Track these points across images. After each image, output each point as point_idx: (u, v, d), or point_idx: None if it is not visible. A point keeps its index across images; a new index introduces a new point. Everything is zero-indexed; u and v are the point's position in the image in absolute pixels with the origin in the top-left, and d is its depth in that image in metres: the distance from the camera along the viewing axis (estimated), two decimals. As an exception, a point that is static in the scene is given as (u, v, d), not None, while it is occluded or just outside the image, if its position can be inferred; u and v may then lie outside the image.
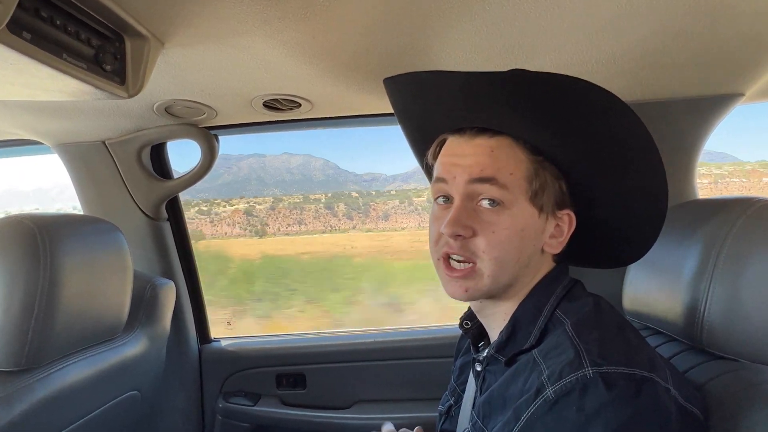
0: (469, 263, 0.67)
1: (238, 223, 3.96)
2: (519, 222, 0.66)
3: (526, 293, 0.71)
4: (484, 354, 0.74)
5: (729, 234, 0.71)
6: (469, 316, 0.82)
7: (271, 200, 4.14)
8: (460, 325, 0.83)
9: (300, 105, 1.20)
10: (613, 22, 0.83)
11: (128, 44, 0.80)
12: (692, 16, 0.82)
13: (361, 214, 4.04)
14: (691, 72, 1.04)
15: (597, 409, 0.55)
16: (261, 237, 4.00)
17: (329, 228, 4.01)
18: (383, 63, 0.97)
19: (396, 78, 0.74)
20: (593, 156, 0.67)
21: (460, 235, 0.66)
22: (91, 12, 0.71)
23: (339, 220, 4.00)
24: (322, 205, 4.10)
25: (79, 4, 0.68)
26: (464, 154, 0.69)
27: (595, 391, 0.55)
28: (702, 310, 0.71)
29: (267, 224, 3.98)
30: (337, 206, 4.07)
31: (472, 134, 0.69)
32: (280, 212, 4.00)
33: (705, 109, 1.16)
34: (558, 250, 0.71)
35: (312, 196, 4.21)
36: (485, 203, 0.67)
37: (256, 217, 4.02)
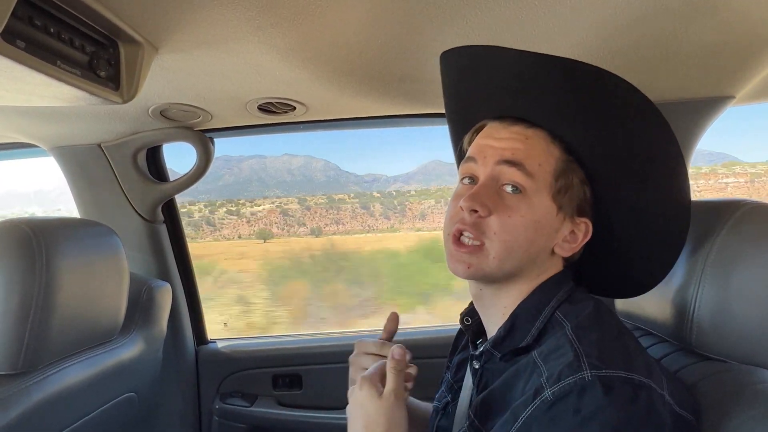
0: (478, 241, 0.68)
1: (275, 222, 3.97)
2: (536, 213, 0.67)
3: (528, 291, 0.71)
4: (481, 349, 0.75)
5: (718, 236, 0.71)
6: (470, 312, 0.82)
7: (296, 200, 4.15)
8: (461, 321, 0.84)
9: (295, 108, 1.20)
10: (602, 26, 0.84)
11: (122, 50, 0.81)
12: (682, 19, 0.83)
13: (397, 214, 4.04)
14: (682, 75, 1.05)
15: (594, 412, 0.55)
16: (317, 236, 4.01)
17: (367, 228, 4.02)
18: (376, 67, 0.98)
19: (452, 51, 0.75)
20: (620, 159, 0.68)
21: (476, 212, 0.67)
22: (84, 19, 0.71)
23: (376, 219, 4.01)
24: (358, 204, 4.10)
25: (72, 12, 0.69)
26: (500, 137, 0.70)
27: (592, 394, 0.56)
28: (691, 311, 0.72)
29: (304, 223, 3.99)
30: (373, 206, 4.07)
31: (511, 122, 0.71)
32: (316, 212, 4.00)
33: (696, 111, 1.17)
34: (568, 254, 0.71)
35: (336, 197, 4.22)
36: (508, 188, 0.67)
37: (292, 216, 4.03)
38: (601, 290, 0.80)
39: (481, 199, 0.66)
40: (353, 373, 0.84)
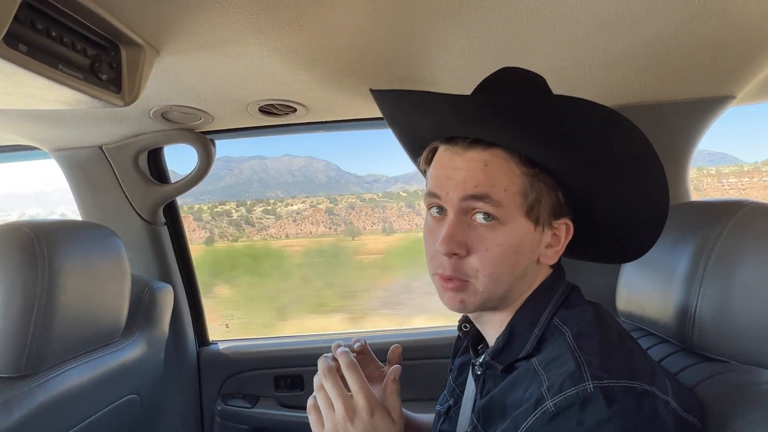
0: (463, 278, 0.67)
1: (322, 221, 3.98)
2: (514, 238, 0.65)
3: (522, 302, 0.70)
4: (481, 359, 0.74)
5: (720, 236, 0.71)
6: (468, 319, 0.82)
7: (327, 200, 4.16)
8: (459, 328, 0.83)
9: (295, 110, 1.20)
10: (604, 26, 0.84)
11: (124, 53, 0.81)
12: (682, 19, 0.83)
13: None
14: (683, 75, 1.05)
15: (596, 424, 0.54)
16: (388, 234, 4.01)
17: (415, 226, 4.02)
18: (377, 68, 0.98)
19: (382, 92, 0.72)
20: (590, 169, 0.66)
21: (455, 254, 0.65)
22: (86, 22, 0.72)
23: (423, 219, 3.99)
24: (404, 204, 4.10)
25: (74, 15, 0.69)
26: (457, 167, 0.66)
27: (595, 406, 0.55)
28: (693, 311, 0.72)
29: (351, 222, 4.00)
30: (418, 204, 4.07)
31: (464, 146, 0.67)
32: (362, 211, 4.02)
33: (697, 111, 1.17)
34: (554, 261, 0.70)
35: (366, 196, 4.24)
36: (479, 217, 0.65)
37: (338, 215, 4.04)
38: (584, 257, 0.80)
39: (456, 239, 0.65)
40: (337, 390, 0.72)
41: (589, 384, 0.56)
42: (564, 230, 0.70)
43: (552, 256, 0.70)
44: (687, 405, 0.62)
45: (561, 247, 0.70)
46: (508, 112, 0.61)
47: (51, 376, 0.98)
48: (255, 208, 3.92)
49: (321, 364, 0.71)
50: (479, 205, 0.64)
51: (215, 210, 3.94)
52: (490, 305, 0.69)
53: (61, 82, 0.69)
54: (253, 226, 3.90)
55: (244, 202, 3.99)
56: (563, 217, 0.69)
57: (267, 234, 3.91)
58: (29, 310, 0.92)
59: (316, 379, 0.71)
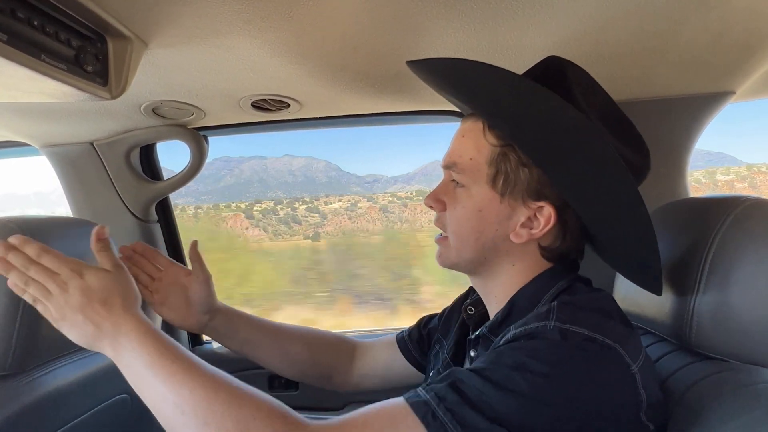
0: (445, 234, 0.75)
1: (378, 219, 4.01)
2: (476, 203, 0.71)
3: (515, 282, 0.73)
4: (477, 333, 0.76)
5: (718, 233, 0.70)
6: (475, 303, 0.85)
7: (365, 199, 4.19)
8: (464, 310, 0.86)
9: (289, 105, 1.19)
10: (603, 20, 0.83)
11: (110, 45, 0.79)
12: (682, 13, 0.81)
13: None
14: (682, 70, 1.04)
15: (545, 348, 0.57)
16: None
17: None
18: (371, 62, 0.96)
19: (412, 66, 0.77)
20: (552, 147, 0.67)
21: (432, 207, 0.76)
22: (70, 12, 0.70)
23: None
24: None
25: (57, 5, 0.67)
26: (454, 137, 0.76)
27: (550, 336, 0.58)
28: (691, 309, 0.71)
29: (407, 220, 4.04)
30: None
31: (466, 117, 0.75)
32: (416, 208, 4.05)
33: (696, 107, 1.16)
34: (525, 240, 0.70)
35: (401, 194, 4.27)
36: (453, 184, 0.74)
37: (393, 213, 4.08)
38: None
39: (435, 196, 0.75)
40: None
41: (550, 323, 0.59)
42: (546, 215, 0.69)
43: (524, 236, 0.70)
44: (652, 388, 0.61)
45: (539, 232, 0.69)
46: (455, 81, 0.72)
47: (38, 375, 0.96)
48: (296, 205, 3.96)
49: (13, 259, 0.71)
50: (451, 171, 0.73)
51: (254, 209, 3.98)
52: (465, 268, 0.76)
53: (44, 73, 0.67)
54: (300, 224, 3.93)
55: (280, 200, 4.03)
56: (543, 200, 0.69)
57: (323, 231, 3.96)
58: (15, 308, 0.90)
59: (17, 277, 0.70)
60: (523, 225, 0.70)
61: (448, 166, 0.74)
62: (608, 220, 0.68)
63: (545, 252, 0.72)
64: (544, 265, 0.73)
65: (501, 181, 0.69)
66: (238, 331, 0.99)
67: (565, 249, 0.72)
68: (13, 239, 0.72)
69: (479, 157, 0.70)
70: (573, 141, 0.64)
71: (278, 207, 3.97)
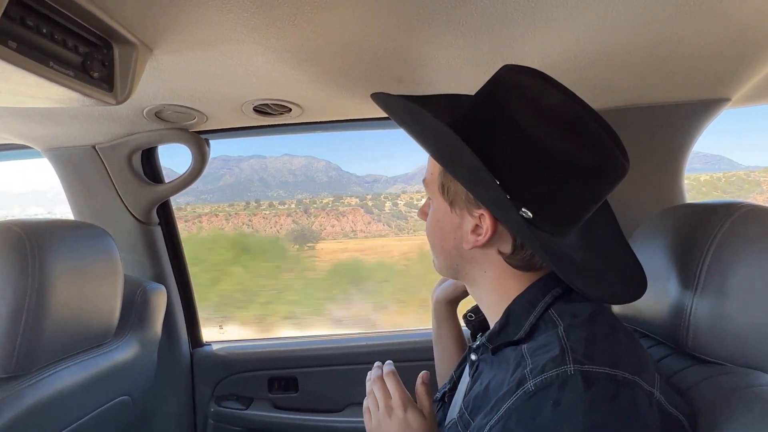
0: None
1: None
2: (437, 213, 0.76)
3: (495, 288, 0.74)
4: (478, 342, 0.77)
5: (715, 238, 0.71)
6: (474, 309, 0.88)
7: (369, 198, 4.19)
8: (464, 317, 0.90)
9: (290, 110, 1.20)
10: (599, 27, 0.84)
11: (116, 51, 0.80)
12: (678, 21, 0.82)
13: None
14: (678, 77, 1.05)
15: (573, 405, 0.55)
16: None
17: None
18: (372, 68, 0.97)
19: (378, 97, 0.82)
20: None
21: (421, 219, 0.82)
22: (78, 20, 0.71)
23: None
24: None
25: (66, 12, 0.68)
26: None
27: (573, 388, 0.56)
28: (688, 313, 0.72)
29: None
30: None
31: None
32: None
33: (692, 113, 1.17)
34: (469, 246, 0.71)
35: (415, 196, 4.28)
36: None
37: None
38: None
39: (421, 210, 0.83)
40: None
41: (570, 367, 0.57)
42: (486, 222, 0.69)
43: (472, 242, 0.71)
44: (674, 400, 0.61)
45: (483, 238, 0.70)
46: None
47: (41, 377, 0.97)
48: (395, 201, 4.00)
49: (371, 373, 0.87)
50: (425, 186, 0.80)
51: (284, 207, 4.01)
52: (447, 274, 0.81)
53: (51, 80, 0.68)
54: (406, 220, 3.96)
55: (378, 195, 4.07)
56: (482, 208, 0.69)
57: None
58: (19, 310, 0.91)
59: (368, 385, 0.86)
60: (472, 232, 0.71)
61: (423, 181, 0.80)
62: (509, 225, 0.69)
63: (509, 259, 0.71)
64: (494, 269, 0.73)
65: (446, 192, 0.74)
66: None
67: (528, 256, 0.71)
68: (387, 369, 0.86)
69: (435, 172, 0.75)
70: (447, 151, 0.69)
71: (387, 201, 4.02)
